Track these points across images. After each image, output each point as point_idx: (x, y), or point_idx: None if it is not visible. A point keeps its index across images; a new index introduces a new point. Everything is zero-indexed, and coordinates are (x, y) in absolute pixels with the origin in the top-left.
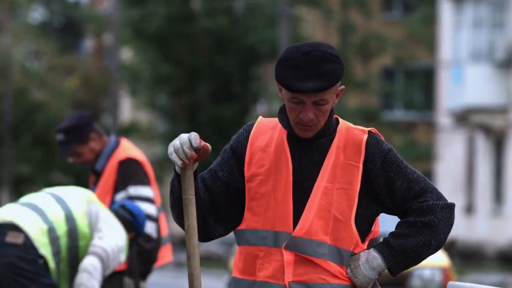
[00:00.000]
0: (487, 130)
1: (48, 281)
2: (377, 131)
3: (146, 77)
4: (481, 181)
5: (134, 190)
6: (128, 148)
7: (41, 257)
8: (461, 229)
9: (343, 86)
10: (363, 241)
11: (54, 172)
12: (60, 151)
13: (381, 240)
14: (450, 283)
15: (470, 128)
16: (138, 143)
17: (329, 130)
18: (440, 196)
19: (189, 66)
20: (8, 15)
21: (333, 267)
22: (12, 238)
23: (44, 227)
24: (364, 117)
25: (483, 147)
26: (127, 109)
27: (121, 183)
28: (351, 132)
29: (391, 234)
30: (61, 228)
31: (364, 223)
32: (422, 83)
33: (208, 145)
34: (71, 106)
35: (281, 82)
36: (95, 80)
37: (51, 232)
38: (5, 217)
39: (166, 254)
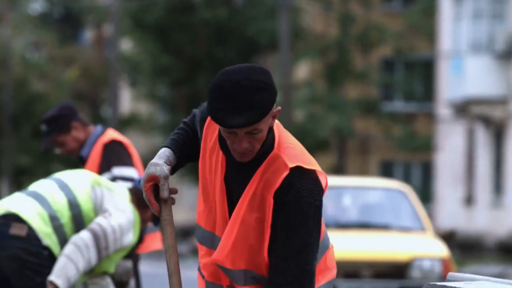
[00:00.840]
0: (487, 121)
1: None
2: (306, 170)
3: (146, 68)
4: (481, 172)
5: (117, 170)
6: (112, 134)
7: (45, 248)
8: (461, 220)
9: (279, 108)
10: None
11: (54, 163)
12: (44, 141)
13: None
14: (450, 274)
15: (470, 119)
16: (138, 134)
17: (264, 154)
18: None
19: (189, 57)
20: (8, 6)
21: None
22: (16, 230)
23: (47, 216)
24: (364, 108)
25: (483, 138)
26: (127, 100)
27: (105, 165)
28: (277, 162)
29: None
30: (65, 216)
31: None
32: (422, 74)
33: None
34: (71, 97)
35: (211, 117)
36: (95, 71)
37: (54, 221)
38: (10, 208)
39: (151, 243)
